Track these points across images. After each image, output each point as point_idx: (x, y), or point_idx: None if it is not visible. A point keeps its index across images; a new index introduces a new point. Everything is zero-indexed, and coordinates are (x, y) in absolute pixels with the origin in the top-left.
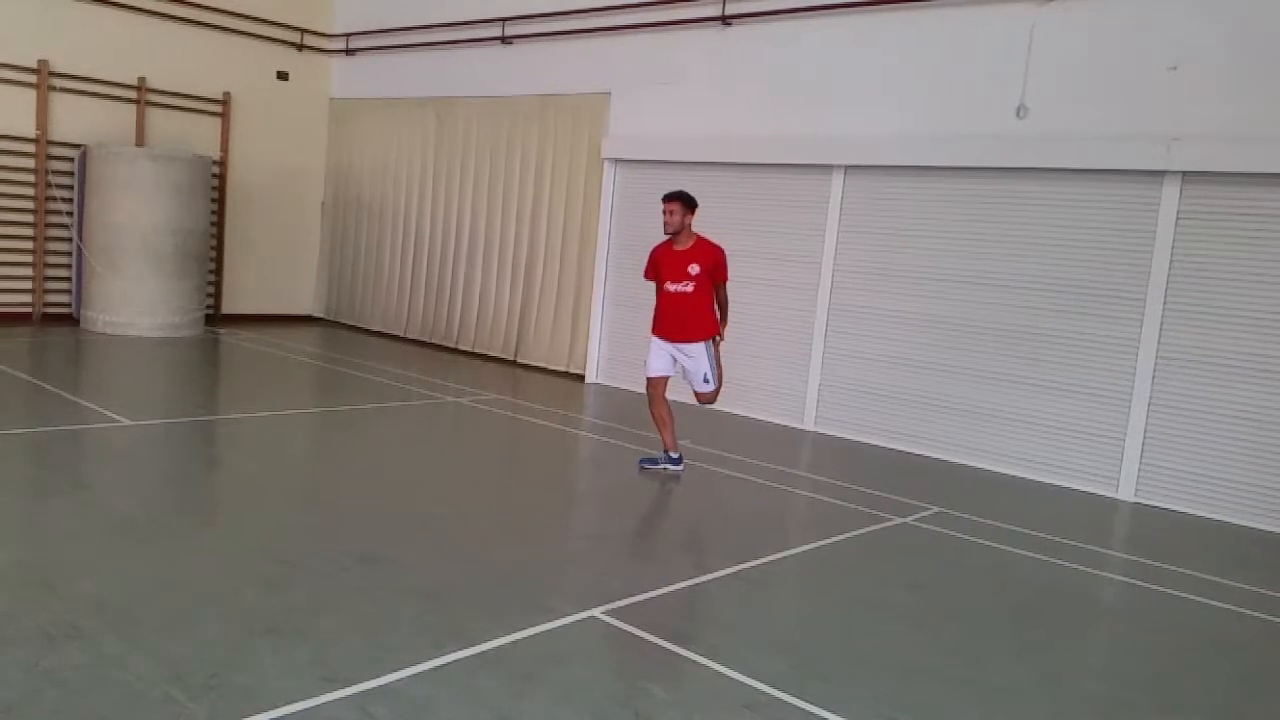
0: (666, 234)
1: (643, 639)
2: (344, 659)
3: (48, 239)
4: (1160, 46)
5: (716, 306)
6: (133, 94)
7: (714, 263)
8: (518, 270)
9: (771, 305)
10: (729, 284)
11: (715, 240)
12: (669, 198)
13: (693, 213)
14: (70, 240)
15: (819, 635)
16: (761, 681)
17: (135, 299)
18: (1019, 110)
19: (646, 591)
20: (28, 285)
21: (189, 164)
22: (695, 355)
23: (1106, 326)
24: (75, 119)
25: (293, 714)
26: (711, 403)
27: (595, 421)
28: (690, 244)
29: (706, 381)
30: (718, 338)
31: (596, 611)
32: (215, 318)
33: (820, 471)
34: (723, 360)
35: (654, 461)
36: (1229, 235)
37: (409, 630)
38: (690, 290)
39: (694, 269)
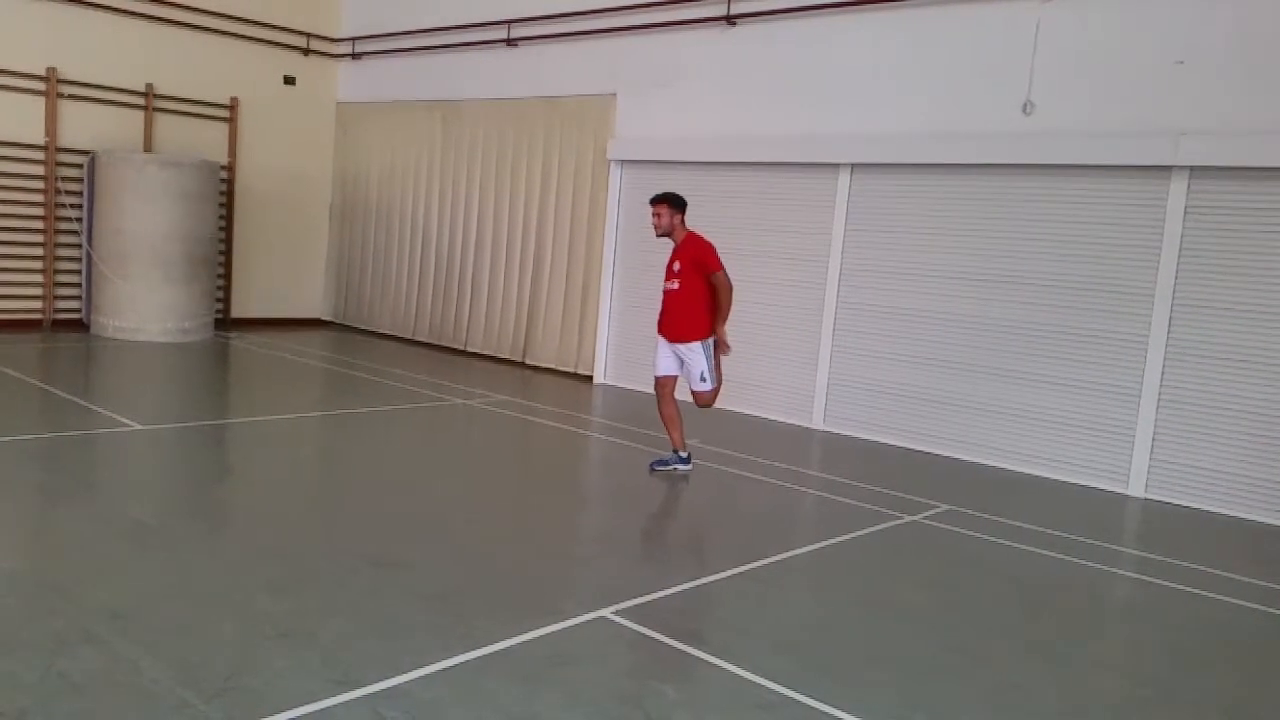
0: (657, 236)
1: (653, 639)
2: (355, 661)
3: (57, 245)
4: (1166, 41)
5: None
6: (141, 100)
7: (694, 256)
8: (525, 272)
9: (779, 304)
10: (728, 277)
11: (706, 235)
12: (656, 200)
13: (682, 212)
14: (80, 246)
15: (830, 634)
16: (773, 681)
17: (145, 304)
18: (1025, 107)
19: (656, 592)
20: (38, 292)
21: (197, 169)
22: (691, 354)
23: (1115, 322)
24: (84, 126)
25: (305, 716)
26: (709, 405)
27: (604, 422)
28: (679, 242)
29: (704, 380)
30: (711, 340)
31: (606, 612)
32: (225, 322)
33: (829, 470)
34: (724, 360)
35: (665, 463)
36: (1237, 230)
37: (420, 632)
38: (676, 288)
39: (677, 266)
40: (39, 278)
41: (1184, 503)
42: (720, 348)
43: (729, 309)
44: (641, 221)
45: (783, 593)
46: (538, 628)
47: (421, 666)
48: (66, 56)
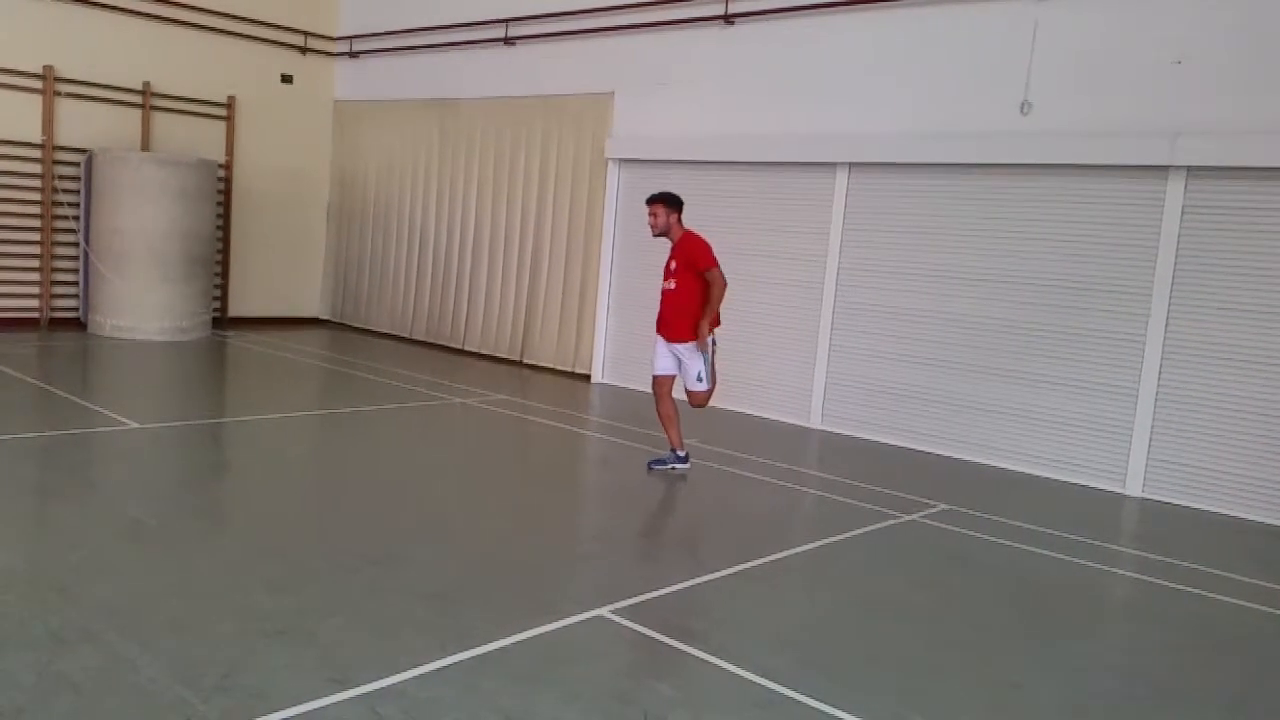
0: (653, 236)
1: (651, 638)
2: (353, 660)
3: (55, 244)
4: (1164, 41)
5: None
6: (138, 99)
7: (686, 255)
8: (523, 271)
9: (777, 303)
10: (722, 275)
11: (704, 234)
12: (651, 200)
13: (678, 211)
14: (77, 245)
15: (828, 633)
16: (770, 679)
17: (142, 303)
18: (1023, 106)
19: (654, 590)
20: (35, 290)
21: (194, 168)
22: (689, 354)
23: (1113, 321)
24: (81, 124)
25: (302, 714)
26: (703, 405)
27: (601, 421)
28: (676, 241)
29: (700, 380)
30: (707, 341)
31: (604, 611)
32: (222, 321)
33: (827, 469)
34: (721, 358)
35: (663, 462)
36: (1234, 229)
37: (417, 631)
38: (673, 287)
39: (673, 265)
40: (36, 276)
41: (1181, 502)
42: (702, 344)
43: (717, 306)
44: (639, 220)
45: (780, 592)
46: (535, 626)
47: (419, 665)
48: (64, 54)
